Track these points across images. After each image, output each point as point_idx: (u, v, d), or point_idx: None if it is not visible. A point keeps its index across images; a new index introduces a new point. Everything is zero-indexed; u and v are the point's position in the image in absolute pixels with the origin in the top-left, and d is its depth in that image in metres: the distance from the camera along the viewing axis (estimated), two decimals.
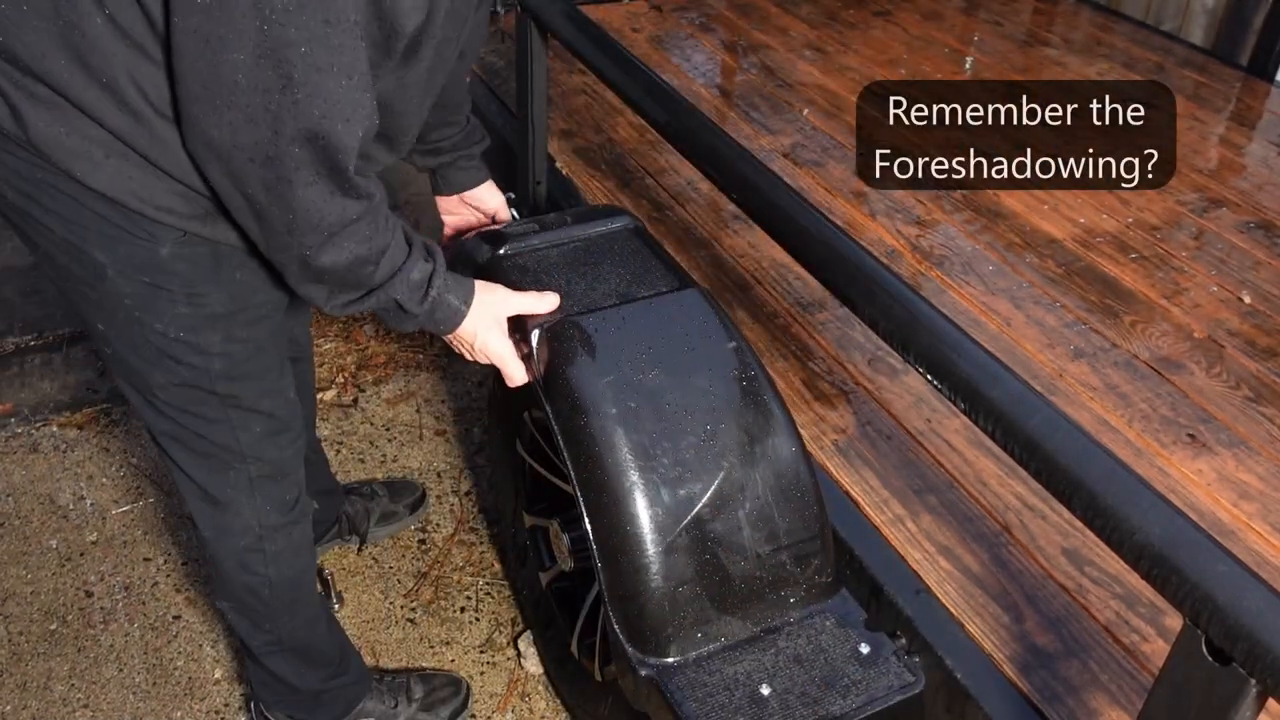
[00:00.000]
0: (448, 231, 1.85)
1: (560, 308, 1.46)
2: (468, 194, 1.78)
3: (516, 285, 1.54)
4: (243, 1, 0.98)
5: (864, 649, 1.37)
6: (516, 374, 1.45)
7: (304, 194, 1.09)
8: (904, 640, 1.40)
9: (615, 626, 1.38)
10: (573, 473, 1.39)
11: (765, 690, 1.31)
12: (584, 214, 1.72)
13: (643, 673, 1.35)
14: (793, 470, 1.39)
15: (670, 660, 1.35)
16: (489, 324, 1.41)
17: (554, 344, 1.44)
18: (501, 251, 1.60)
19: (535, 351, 1.45)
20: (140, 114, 1.11)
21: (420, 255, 1.29)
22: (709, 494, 1.34)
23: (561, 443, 1.41)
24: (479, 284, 1.40)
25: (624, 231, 1.66)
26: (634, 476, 1.33)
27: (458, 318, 1.36)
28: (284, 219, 1.11)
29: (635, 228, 1.67)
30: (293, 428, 1.50)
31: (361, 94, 1.06)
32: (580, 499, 1.39)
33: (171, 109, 1.11)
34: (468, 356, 1.46)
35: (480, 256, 1.60)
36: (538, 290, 1.48)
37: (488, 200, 1.80)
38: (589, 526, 1.38)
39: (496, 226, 1.74)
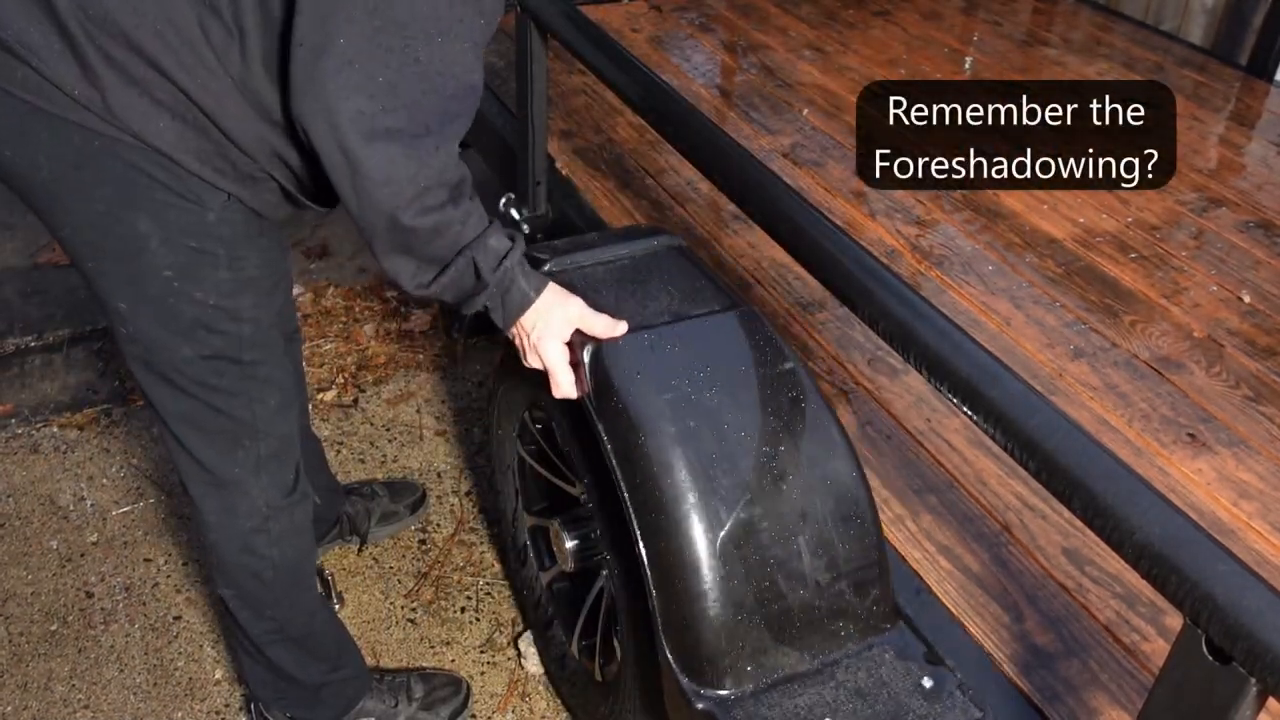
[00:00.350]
0: None
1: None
2: None
3: None
4: None
5: (927, 683, 1.31)
6: (566, 385, 1.42)
7: (417, 147, 1.15)
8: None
9: (669, 655, 1.33)
10: (626, 493, 1.35)
11: None
12: (626, 232, 1.70)
13: (699, 705, 1.30)
14: (852, 496, 1.35)
15: (726, 693, 1.30)
16: (554, 325, 1.39)
17: (607, 360, 1.40)
18: (546, 269, 1.57)
19: (586, 367, 1.41)
20: (213, 72, 1.16)
21: (500, 230, 1.32)
22: (769, 519, 1.31)
23: (614, 462, 1.37)
24: (555, 285, 1.39)
25: (669, 250, 1.63)
26: (693, 499, 1.29)
27: (525, 302, 1.35)
28: (384, 172, 1.15)
29: (679, 246, 1.64)
30: (295, 403, 1.55)
31: (469, 60, 1.17)
32: (633, 520, 1.34)
33: (258, 65, 1.17)
34: (523, 357, 1.44)
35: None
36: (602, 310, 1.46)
37: None
38: (642, 550, 1.33)
39: (535, 244, 1.71)
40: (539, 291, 1.36)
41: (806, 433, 1.36)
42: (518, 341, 1.43)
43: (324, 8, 1.09)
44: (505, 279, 1.32)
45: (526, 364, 1.43)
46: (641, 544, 1.33)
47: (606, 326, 1.41)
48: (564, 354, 1.41)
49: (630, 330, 1.42)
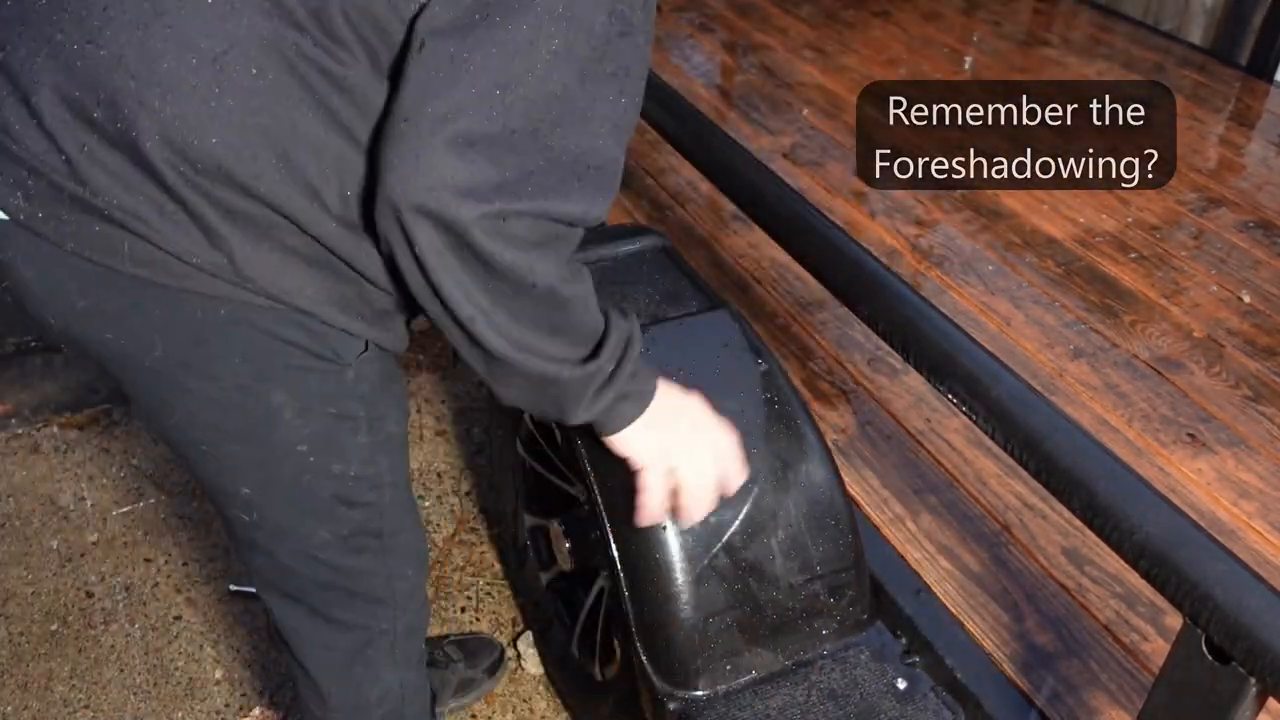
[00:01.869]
0: None
1: None
2: None
3: None
4: (509, 37, 0.88)
5: (900, 684, 1.32)
6: (705, 508, 1.18)
7: (550, 244, 0.96)
8: (903, 639, 1.39)
9: (642, 658, 1.34)
10: (600, 497, 1.36)
11: None
12: (613, 232, 1.71)
13: (671, 706, 1.31)
14: (827, 498, 1.36)
15: (699, 693, 1.31)
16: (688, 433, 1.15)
17: None
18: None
19: None
20: (347, 206, 0.99)
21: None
22: (740, 521, 1.31)
23: (588, 466, 1.38)
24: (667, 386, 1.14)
25: (653, 250, 1.63)
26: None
27: (649, 391, 1.10)
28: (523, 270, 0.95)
29: (664, 246, 1.65)
30: (427, 563, 1.37)
31: (610, 145, 0.97)
32: (607, 524, 1.35)
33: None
34: (659, 462, 1.13)
35: None
36: None
37: None
38: (615, 553, 1.34)
39: None
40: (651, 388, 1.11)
41: (781, 435, 1.36)
42: (642, 465, 1.13)
43: (436, 83, 0.88)
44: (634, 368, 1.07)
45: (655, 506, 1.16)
46: (614, 546, 1.34)
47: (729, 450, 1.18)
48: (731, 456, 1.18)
49: None
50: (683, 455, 1.13)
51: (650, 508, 1.15)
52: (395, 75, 0.92)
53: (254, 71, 0.91)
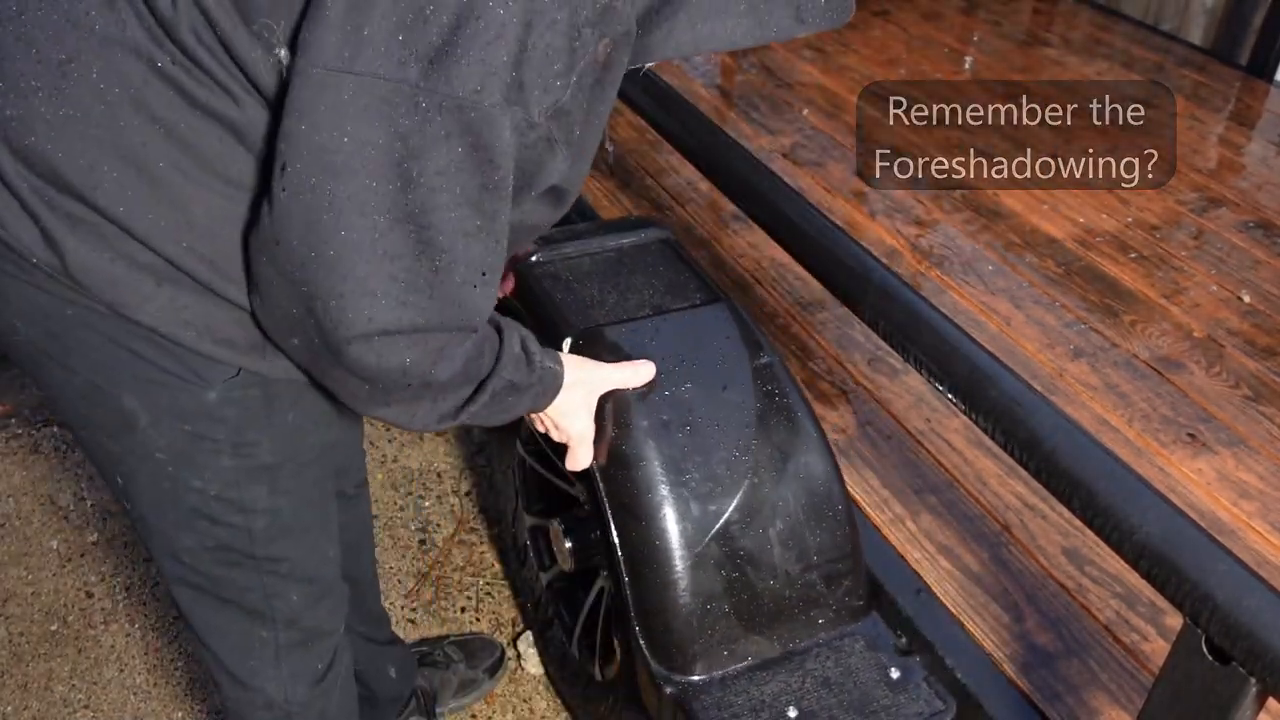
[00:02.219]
0: None
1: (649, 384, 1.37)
2: None
3: (549, 292, 1.54)
4: (379, 156, 0.83)
5: (894, 673, 1.34)
6: (585, 460, 1.33)
7: (426, 360, 0.96)
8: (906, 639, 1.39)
9: (640, 642, 1.36)
10: (601, 485, 1.38)
11: (792, 713, 1.30)
12: (617, 224, 1.71)
13: (667, 690, 1.33)
14: (825, 489, 1.37)
15: (696, 678, 1.34)
16: (583, 399, 1.29)
17: (586, 354, 1.41)
18: (534, 259, 1.58)
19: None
20: (207, 232, 0.95)
21: (508, 327, 1.13)
22: (739, 510, 1.33)
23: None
24: (569, 355, 1.27)
25: (657, 242, 1.64)
26: (664, 490, 1.31)
27: (558, 382, 1.20)
28: (400, 383, 0.97)
29: (667, 238, 1.66)
30: (334, 592, 1.31)
31: (501, 253, 0.95)
32: (608, 512, 1.37)
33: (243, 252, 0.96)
34: (540, 428, 1.33)
35: (512, 264, 1.59)
36: (575, 307, 1.42)
37: None
38: (615, 539, 1.36)
39: None
40: (560, 364, 1.21)
41: (780, 426, 1.38)
42: (541, 422, 1.30)
43: (303, 190, 0.84)
44: (540, 372, 1.15)
45: (554, 438, 1.34)
46: (615, 534, 1.36)
47: (631, 376, 1.33)
48: (592, 428, 1.33)
49: (608, 323, 1.44)
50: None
51: (578, 456, 1.33)
52: (277, 110, 0.88)
53: (99, 83, 0.89)
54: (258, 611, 1.23)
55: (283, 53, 0.86)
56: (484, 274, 0.93)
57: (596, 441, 1.36)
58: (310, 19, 0.82)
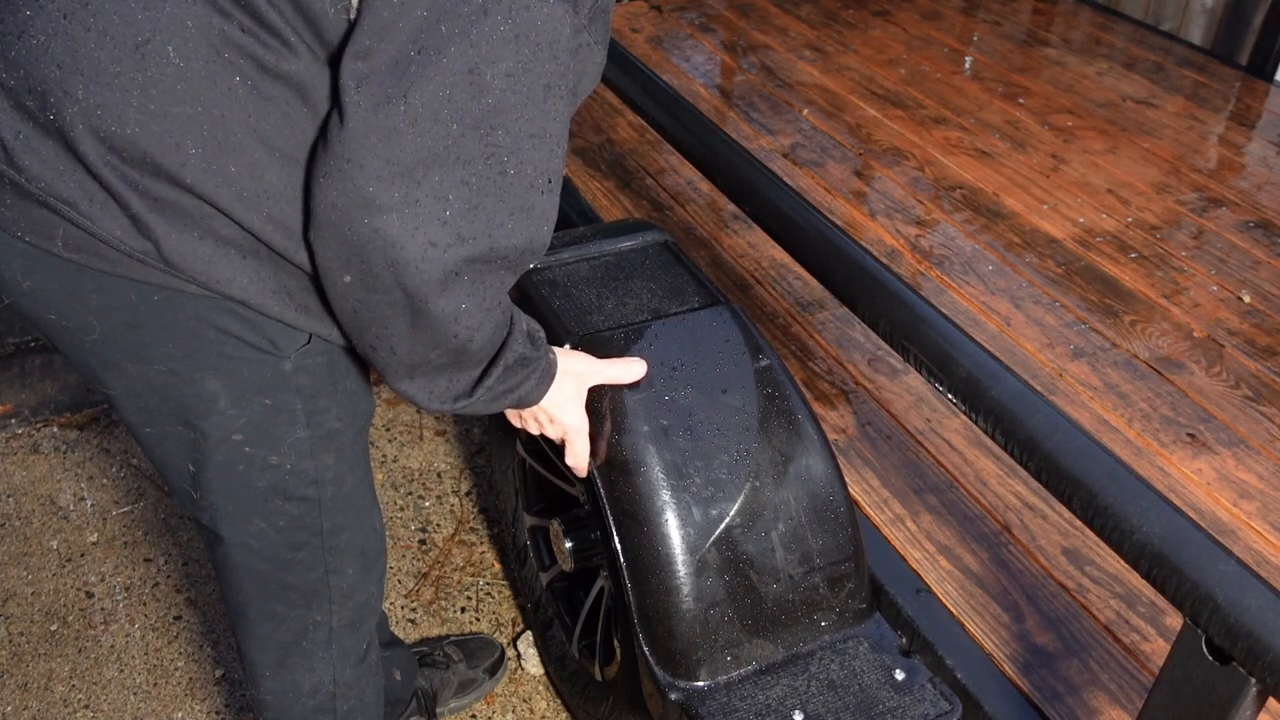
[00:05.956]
0: None
1: (643, 381, 1.38)
2: None
3: (547, 299, 1.54)
4: (452, 65, 0.86)
5: (899, 675, 1.34)
6: (584, 457, 1.35)
7: (493, 283, 0.99)
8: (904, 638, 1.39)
9: (644, 648, 1.36)
10: (602, 491, 1.38)
11: (798, 716, 1.29)
12: (614, 227, 1.71)
13: (672, 696, 1.33)
14: (826, 491, 1.37)
15: (700, 684, 1.33)
16: (575, 390, 1.30)
17: None
18: (531, 265, 1.58)
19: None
20: (282, 198, 0.99)
21: (513, 307, 1.15)
22: (741, 514, 1.33)
23: (592, 460, 1.40)
24: (559, 348, 1.29)
25: (655, 246, 1.65)
26: (666, 495, 1.31)
27: (554, 369, 1.23)
28: (456, 320, 0.99)
29: (666, 242, 1.66)
30: (379, 564, 1.36)
31: (562, 159, 0.98)
32: (609, 517, 1.37)
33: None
34: (533, 429, 1.33)
35: None
36: (574, 306, 1.44)
37: None
38: (617, 545, 1.36)
39: None
40: (554, 354, 1.23)
41: (781, 429, 1.38)
42: (532, 420, 1.30)
43: (375, 128, 0.87)
44: (545, 351, 1.18)
45: (550, 434, 1.34)
46: (617, 540, 1.36)
47: (624, 372, 1.34)
48: (585, 421, 1.33)
49: (607, 329, 1.44)
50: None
51: (577, 451, 1.35)
52: (337, 65, 0.90)
53: (177, 60, 0.91)
54: (317, 591, 1.27)
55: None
56: (549, 180, 0.96)
57: (595, 445, 1.36)
58: None
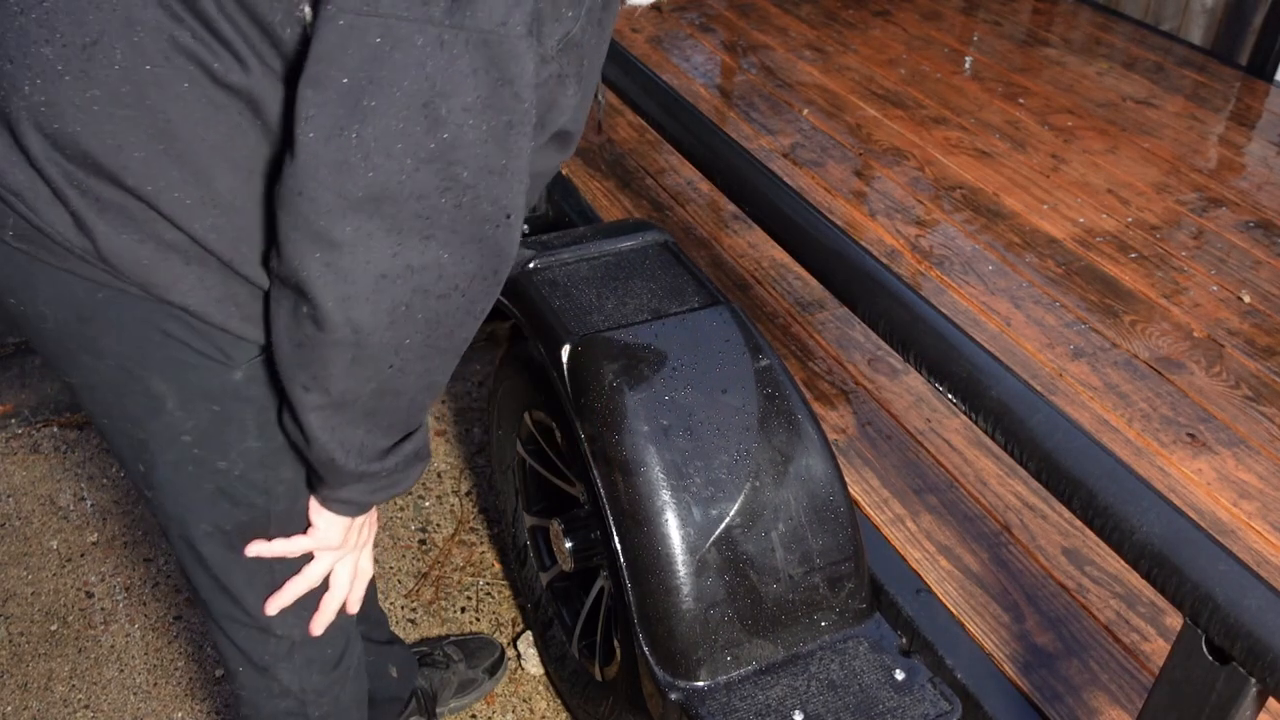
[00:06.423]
0: None
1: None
2: None
3: (547, 299, 1.54)
4: (406, 97, 0.83)
5: (899, 675, 1.34)
6: (322, 569, 1.23)
7: (449, 322, 0.96)
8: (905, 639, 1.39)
9: (644, 648, 1.36)
10: (602, 491, 1.38)
11: (798, 716, 1.29)
12: (614, 227, 1.71)
13: (672, 696, 1.33)
14: (826, 491, 1.37)
15: (700, 684, 1.33)
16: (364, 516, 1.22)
17: (585, 360, 1.42)
18: (531, 265, 1.58)
19: (566, 367, 1.43)
20: (230, 208, 0.96)
21: None
22: (741, 514, 1.33)
23: (590, 460, 1.40)
24: None
25: (655, 246, 1.65)
26: (666, 496, 1.31)
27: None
28: (398, 354, 0.96)
29: (665, 242, 1.66)
30: None
31: (524, 194, 0.94)
32: (609, 517, 1.37)
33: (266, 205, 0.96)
34: (354, 543, 1.21)
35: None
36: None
37: None
38: (618, 545, 1.36)
39: (526, 239, 1.71)
40: None
41: (781, 429, 1.38)
42: (356, 529, 1.20)
43: (326, 159, 0.84)
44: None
45: (363, 557, 1.24)
46: (617, 540, 1.36)
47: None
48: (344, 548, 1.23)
49: (607, 329, 1.44)
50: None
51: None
52: (293, 82, 0.87)
53: (124, 62, 0.89)
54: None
55: (306, 9, 0.87)
56: (508, 215, 0.92)
57: (600, 448, 1.35)
58: None
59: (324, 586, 1.23)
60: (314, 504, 1.15)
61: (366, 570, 1.25)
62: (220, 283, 0.99)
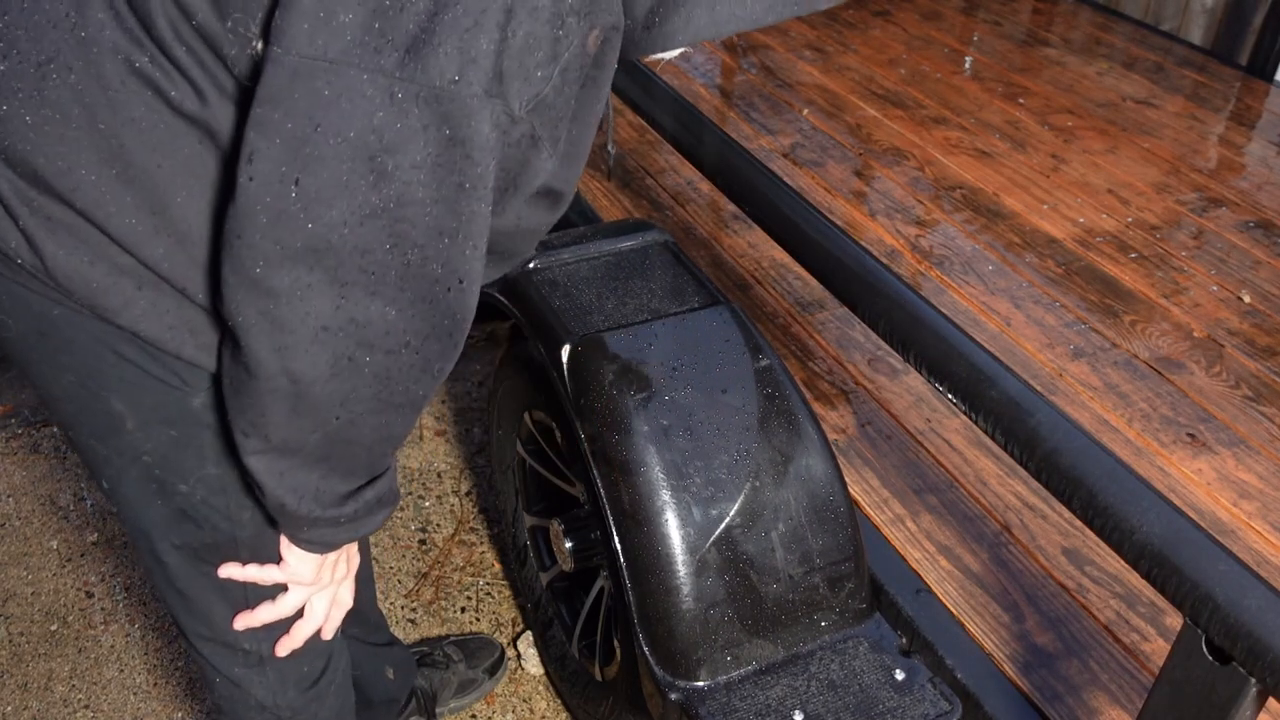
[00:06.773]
0: None
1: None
2: None
3: (547, 299, 1.54)
4: (351, 149, 0.79)
5: (899, 675, 1.34)
6: (295, 600, 1.18)
7: (391, 384, 0.92)
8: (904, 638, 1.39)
9: (644, 648, 1.36)
10: (602, 491, 1.38)
11: (798, 716, 1.29)
12: (614, 227, 1.72)
13: (672, 696, 1.33)
14: (826, 491, 1.38)
15: (700, 684, 1.33)
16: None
17: (585, 360, 1.42)
18: (531, 265, 1.59)
19: (566, 367, 1.43)
20: (185, 237, 0.93)
21: None
22: (741, 514, 1.33)
23: (590, 460, 1.40)
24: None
25: (655, 246, 1.65)
26: (666, 496, 1.32)
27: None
28: (344, 408, 0.92)
29: (666, 242, 1.66)
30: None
31: (479, 258, 0.90)
32: (609, 518, 1.37)
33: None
34: (327, 577, 1.17)
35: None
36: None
37: None
38: (618, 546, 1.36)
39: None
40: None
41: (781, 429, 1.38)
42: (332, 562, 1.15)
43: (273, 181, 0.80)
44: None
45: (342, 588, 1.21)
46: (617, 540, 1.36)
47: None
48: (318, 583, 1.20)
49: (607, 329, 1.45)
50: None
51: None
52: (246, 107, 0.83)
53: (77, 84, 0.87)
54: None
55: (259, 45, 0.83)
56: (460, 280, 0.88)
57: (600, 448, 1.35)
58: (283, 4, 0.78)
59: (298, 613, 1.20)
60: (283, 540, 1.11)
61: (346, 601, 1.21)
62: (174, 309, 0.96)
